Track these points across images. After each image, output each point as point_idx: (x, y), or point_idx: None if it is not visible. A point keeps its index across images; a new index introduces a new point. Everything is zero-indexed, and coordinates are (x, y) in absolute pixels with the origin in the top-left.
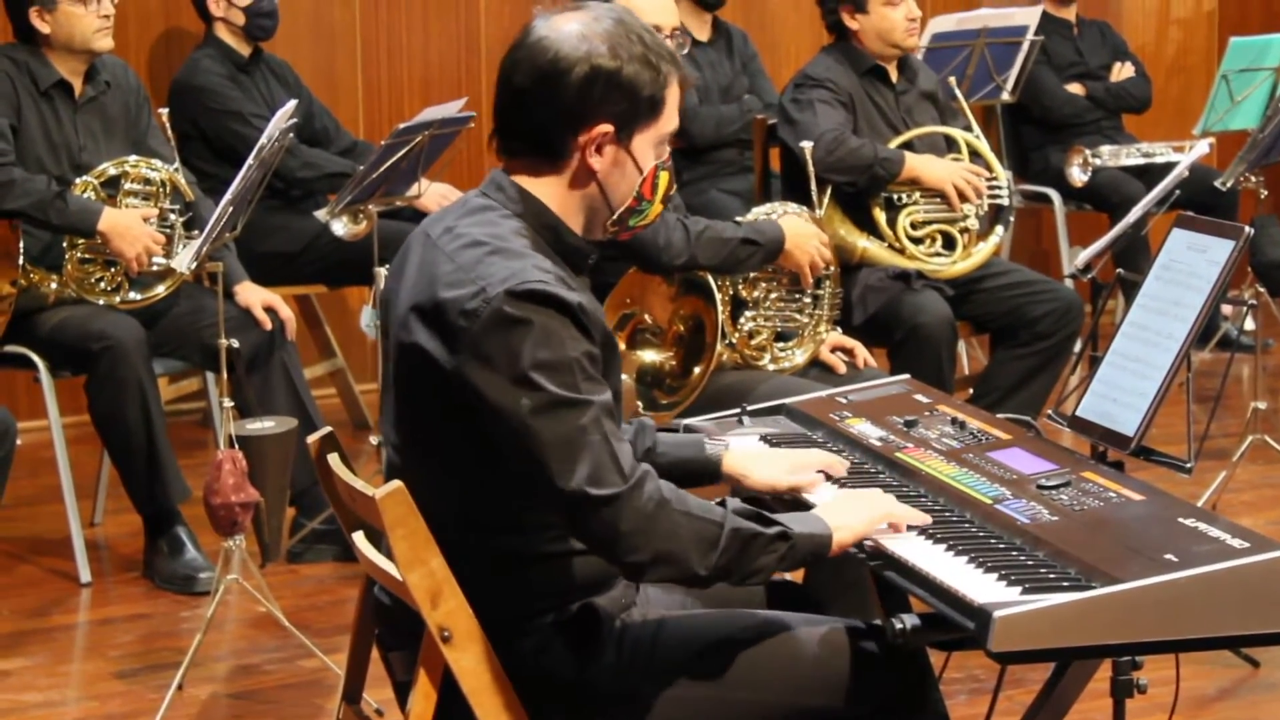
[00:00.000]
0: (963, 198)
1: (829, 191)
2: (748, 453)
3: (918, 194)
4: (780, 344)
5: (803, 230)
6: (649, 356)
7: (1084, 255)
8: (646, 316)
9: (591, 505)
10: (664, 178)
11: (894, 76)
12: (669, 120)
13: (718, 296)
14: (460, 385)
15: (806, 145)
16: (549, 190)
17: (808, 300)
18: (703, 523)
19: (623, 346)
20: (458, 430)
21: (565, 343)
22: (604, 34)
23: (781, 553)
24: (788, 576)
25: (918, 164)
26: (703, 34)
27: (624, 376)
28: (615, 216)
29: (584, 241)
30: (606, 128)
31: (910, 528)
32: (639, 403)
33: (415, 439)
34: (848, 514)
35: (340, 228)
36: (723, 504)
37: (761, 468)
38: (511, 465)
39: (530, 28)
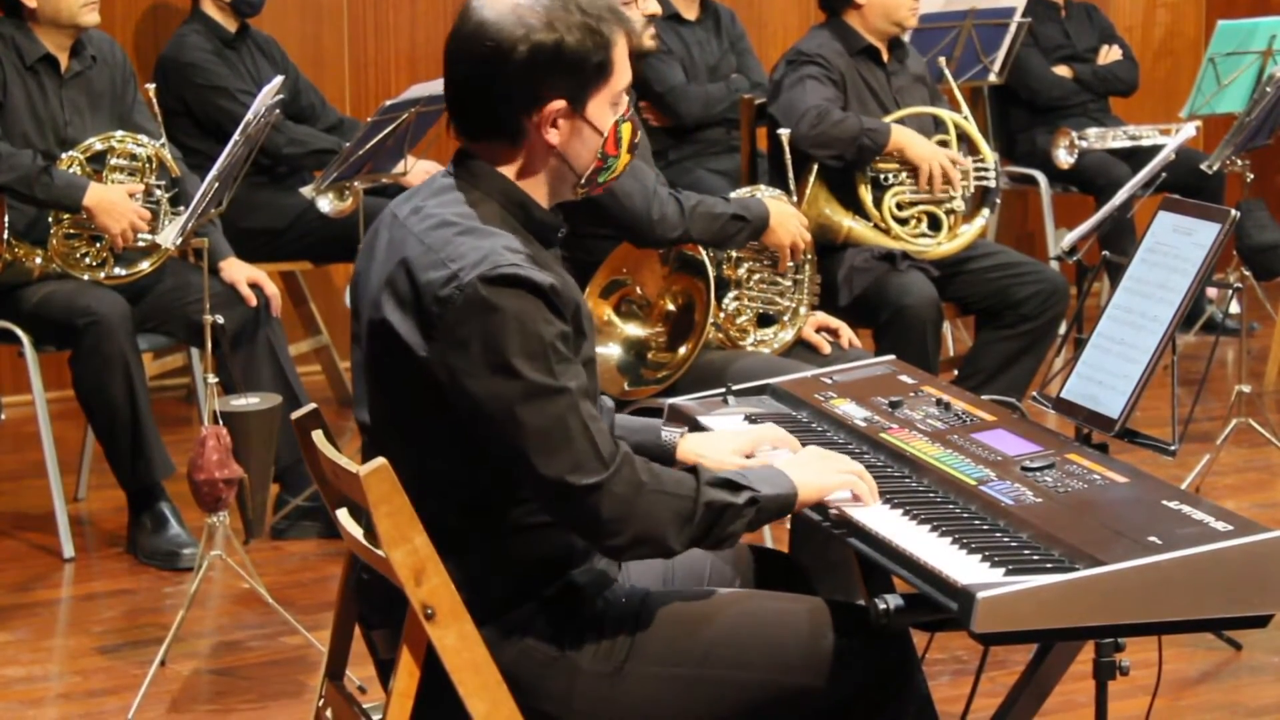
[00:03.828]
0: (934, 181)
1: (814, 171)
2: (700, 439)
3: (904, 174)
4: (763, 329)
5: (785, 210)
6: (633, 330)
7: (1070, 237)
8: (637, 289)
9: (573, 494)
10: (626, 129)
11: (885, 57)
12: (621, 78)
13: (710, 274)
14: (436, 372)
15: (784, 132)
16: (511, 168)
17: (788, 284)
18: (678, 500)
19: (609, 313)
20: (432, 414)
21: (540, 326)
22: (535, 9)
23: (750, 517)
24: (769, 543)
25: (904, 137)
26: (691, 12)
27: (614, 346)
28: (583, 180)
29: (553, 216)
30: (559, 104)
31: (883, 502)
32: (625, 377)
33: (389, 423)
34: (813, 473)
35: (326, 204)
36: (693, 470)
37: (713, 453)
38: (491, 452)
39: (467, 10)
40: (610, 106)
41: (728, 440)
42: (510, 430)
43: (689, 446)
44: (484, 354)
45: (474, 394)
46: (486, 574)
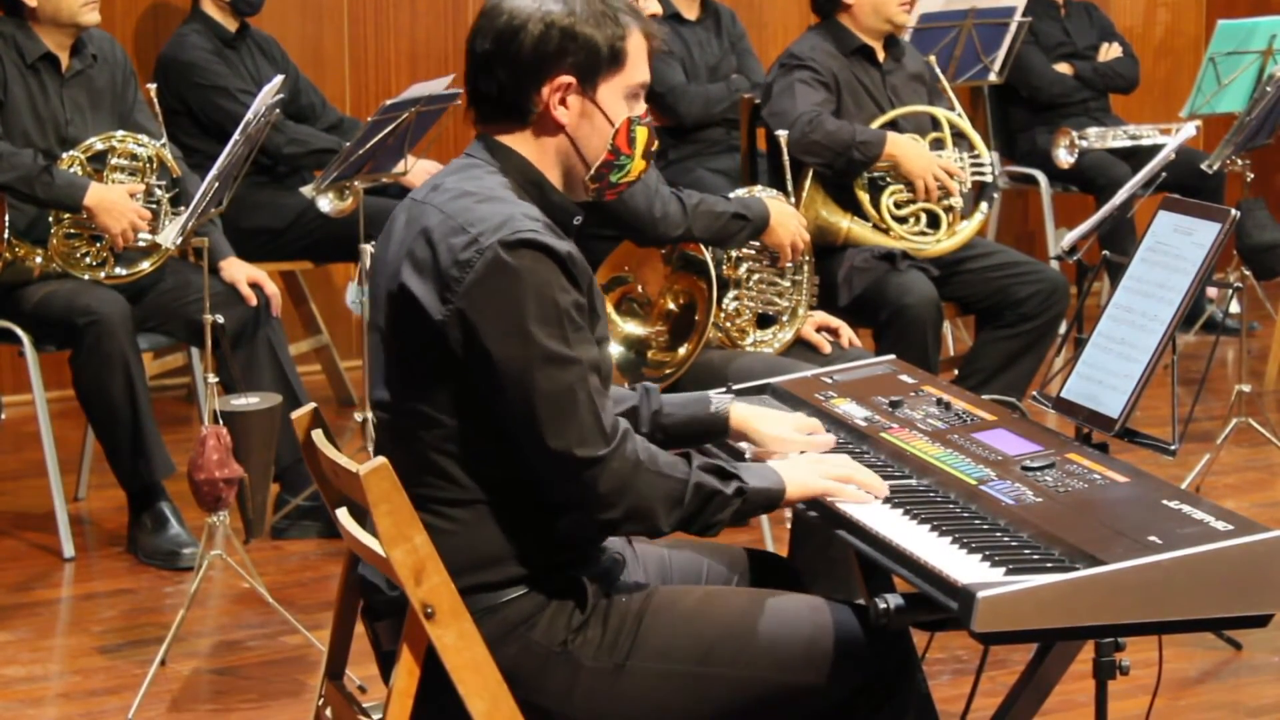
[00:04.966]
0: (930, 194)
1: (810, 173)
2: (752, 409)
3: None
4: (762, 329)
5: (785, 209)
6: (631, 328)
7: (1070, 237)
8: (639, 287)
9: (574, 465)
10: (642, 132)
11: (880, 56)
12: (635, 71)
13: (713, 275)
14: (452, 335)
15: (782, 134)
16: (525, 148)
17: (787, 284)
18: (671, 481)
19: (610, 311)
20: (448, 381)
21: (556, 293)
22: None
23: (736, 507)
24: (770, 548)
25: (898, 148)
26: (691, 12)
27: (614, 345)
28: (593, 172)
29: (569, 201)
30: (567, 79)
31: (887, 501)
32: (625, 376)
33: (405, 392)
34: (803, 472)
35: (326, 204)
36: (687, 456)
37: (769, 425)
38: (500, 416)
39: (486, 4)
40: (624, 99)
41: (785, 417)
42: (521, 395)
43: (741, 414)
44: (500, 318)
45: (489, 357)
46: (497, 555)
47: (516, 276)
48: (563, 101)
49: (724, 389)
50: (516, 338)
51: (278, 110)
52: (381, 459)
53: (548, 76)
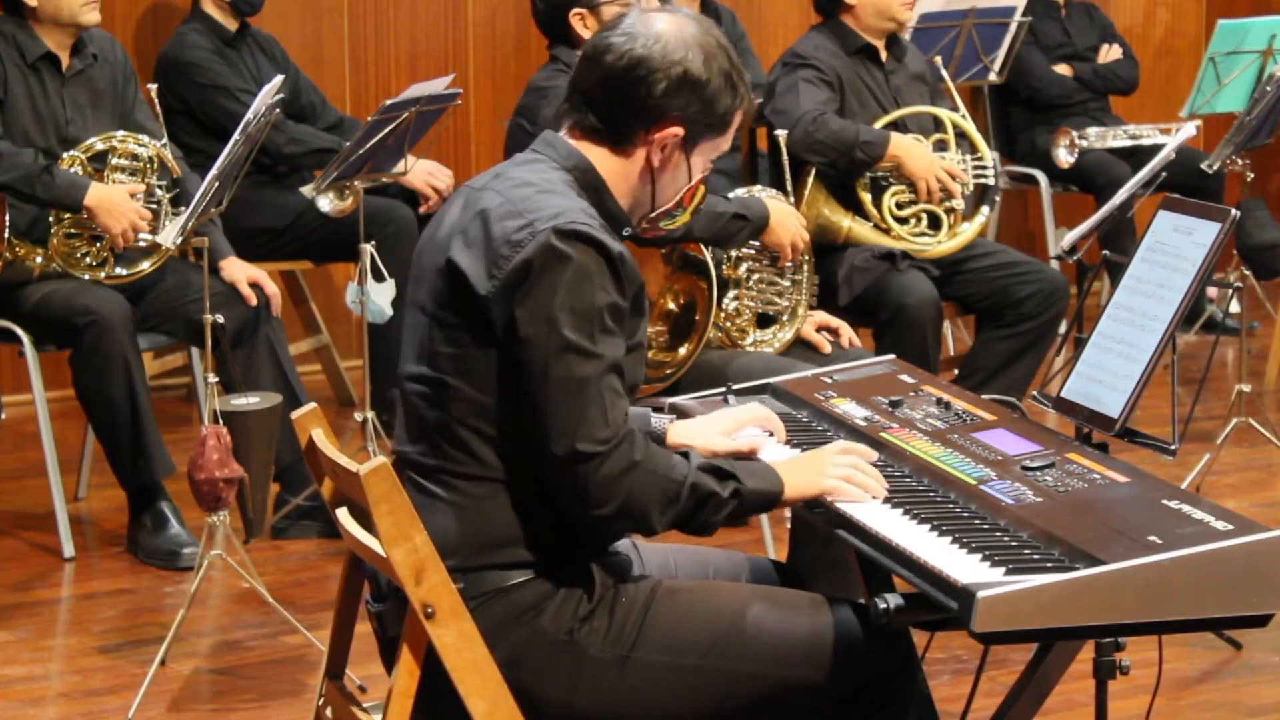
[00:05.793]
0: (932, 195)
1: (813, 172)
2: (689, 425)
3: (903, 178)
4: (763, 329)
5: (785, 209)
6: None
7: (1070, 237)
8: None
9: (572, 458)
10: (701, 191)
11: (883, 55)
12: (726, 140)
13: (713, 275)
14: (495, 310)
15: (781, 134)
16: (602, 164)
17: (787, 283)
18: (668, 482)
19: None
20: (485, 355)
21: (595, 290)
22: (699, 42)
23: (731, 508)
24: (771, 554)
25: (902, 149)
26: None
27: None
28: (654, 214)
29: (622, 211)
30: (678, 131)
31: (887, 501)
32: None
33: (442, 365)
34: (802, 474)
35: (326, 204)
36: (687, 455)
37: (700, 437)
38: (519, 396)
39: (625, 19)
40: (705, 162)
41: (714, 422)
42: (537, 378)
43: (679, 433)
44: (536, 298)
45: (519, 336)
46: (508, 537)
47: (563, 263)
48: (663, 148)
49: (724, 389)
50: (544, 321)
51: (278, 110)
52: (382, 459)
53: (662, 122)
